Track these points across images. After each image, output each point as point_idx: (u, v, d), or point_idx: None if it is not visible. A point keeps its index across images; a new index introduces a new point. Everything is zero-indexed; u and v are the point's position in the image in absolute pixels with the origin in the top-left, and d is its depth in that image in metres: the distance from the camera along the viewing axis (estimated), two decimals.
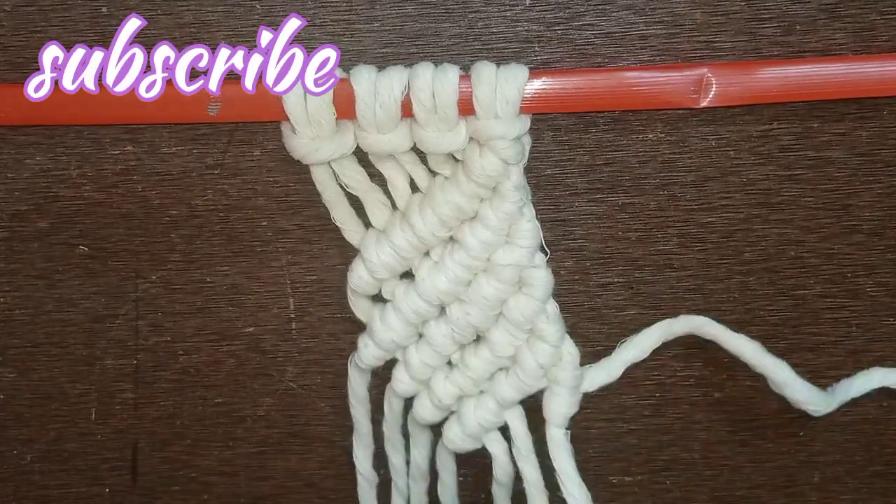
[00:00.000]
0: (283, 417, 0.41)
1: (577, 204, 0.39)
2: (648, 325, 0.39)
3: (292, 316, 0.40)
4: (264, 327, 0.40)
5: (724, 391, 0.40)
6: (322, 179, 0.37)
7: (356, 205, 0.38)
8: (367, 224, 0.38)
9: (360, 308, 0.38)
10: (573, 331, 0.39)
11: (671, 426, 0.41)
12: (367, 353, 0.38)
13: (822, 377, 0.40)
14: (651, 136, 0.38)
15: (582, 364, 0.39)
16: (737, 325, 0.39)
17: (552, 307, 0.37)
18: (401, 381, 0.38)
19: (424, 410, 0.39)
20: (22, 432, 0.41)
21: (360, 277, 0.37)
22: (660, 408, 0.41)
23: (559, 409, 0.38)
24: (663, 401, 0.41)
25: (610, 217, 0.39)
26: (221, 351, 0.40)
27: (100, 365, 0.40)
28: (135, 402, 0.41)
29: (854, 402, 0.40)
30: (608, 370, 0.39)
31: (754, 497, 0.42)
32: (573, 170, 0.38)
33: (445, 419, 0.39)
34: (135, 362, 0.40)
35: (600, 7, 0.37)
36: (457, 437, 0.39)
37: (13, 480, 0.41)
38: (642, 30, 0.37)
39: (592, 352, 0.39)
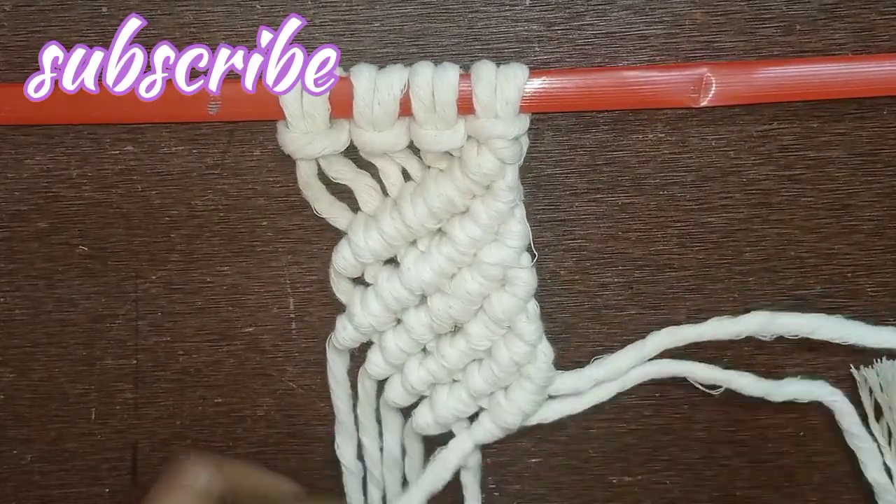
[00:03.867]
0: (283, 417, 0.41)
1: (577, 204, 0.39)
2: (648, 325, 0.39)
3: (292, 316, 0.40)
4: (264, 327, 0.40)
5: (725, 391, 0.40)
6: (306, 174, 0.37)
7: (341, 192, 0.37)
8: (354, 210, 0.38)
9: (341, 289, 0.38)
10: (573, 331, 0.39)
11: (671, 426, 0.41)
12: (345, 335, 0.38)
13: (822, 377, 0.40)
14: (651, 136, 0.38)
15: (578, 364, 0.39)
16: None
17: (533, 306, 0.37)
18: (375, 364, 0.38)
19: (395, 394, 0.39)
20: (22, 432, 0.41)
21: (344, 259, 0.37)
22: (660, 408, 0.41)
23: (521, 403, 0.38)
24: (663, 401, 0.41)
25: (610, 217, 0.39)
26: (221, 351, 0.40)
27: (100, 365, 0.40)
28: (135, 402, 0.41)
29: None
30: (576, 382, 0.39)
31: (754, 497, 0.42)
32: (573, 170, 0.38)
33: (416, 403, 0.39)
34: (135, 362, 0.40)
35: (600, 7, 0.37)
36: (427, 425, 0.39)
37: (13, 480, 0.41)
38: (642, 30, 0.37)
39: (592, 352, 0.39)
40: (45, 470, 0.41)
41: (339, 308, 0.39)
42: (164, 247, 0.39)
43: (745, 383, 0.38)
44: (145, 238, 0.39)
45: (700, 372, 0.38)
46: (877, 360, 0.39)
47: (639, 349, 0.38)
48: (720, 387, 0.38)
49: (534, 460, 0.40)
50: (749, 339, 0.39)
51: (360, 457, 0.40)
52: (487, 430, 0.39)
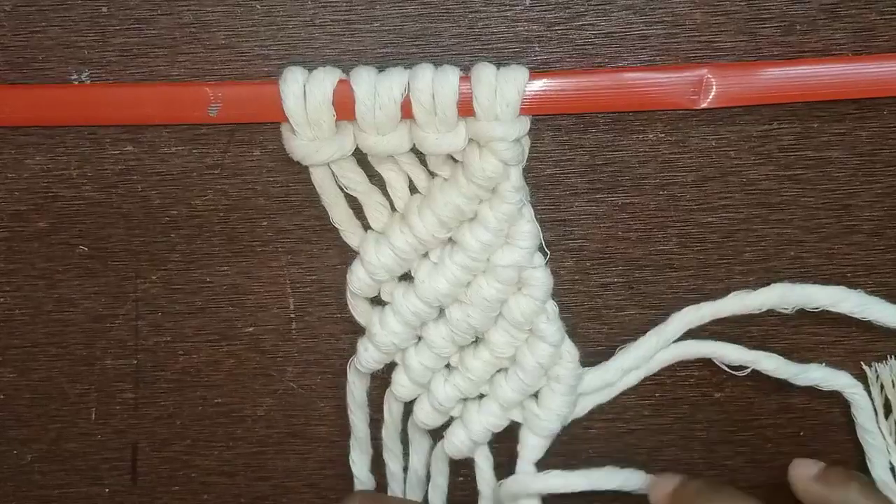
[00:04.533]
0: (283, 417, 0.41)
1: (577, 204, 0.39)
2: (648, 325, 0.39)
3: (292, 316, 0.40)
4: (264, 327, 0.40)
5: (724, 391, 0.40)
6: (321, 180, 0.37)
7: (355, 206, 0.38)
8: (366, 225, 0.38)
9: (360, 311, 0.38)
10: (573, 331, 0.39)
11: (671, 426, 0.41)
12: (367, 356, 0.38)
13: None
14: (651, 136, 0.38)
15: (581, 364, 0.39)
16: (737, 326, 0.39)
17: (552, 307, 0.37)
18: (401, 385, 0.38)
19: (424, 414, 0.39)
20: (22, 432, 0.41)
21: (359, 279, 0.37)
22: (660, 408, 0.41)
23: (555, 407, 0.38)
24: (663, 401, 0.41)
25: (610, 217, 0.39)
26: (221, 351, 0.40)
27: (100, 365, 0.40)
28: (135, 402, 0.41)
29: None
30: (605, 376, 0.39)
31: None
32: (573, 170, 0.38)
33: (445, 424, 0.39)
34: (135, 362, 0.40)
35: (600, 7, 0.37)
36: (461, 443, 0.39)
37: (13, 480, 0.41)
38: (642, 30, 0.37)
39: (593, 352, 0.39)
40: (45, 470, 0.41)
41: (340, 308, 0.39)
42: (164, 247, 0.39)
43: (771, 365, 0.38)
44: (145, 238, 0.39)
45: (727, 352, 0.39)
46: (890, 358, 0.39)
47: (661, 331, 0.39)
48: (745, 368, 0.39)
49: None
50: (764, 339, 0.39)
51: (371, 470, 0.41)
52: (533, 445, 0.39)
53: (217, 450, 0.41)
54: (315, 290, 0.40)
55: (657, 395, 0.41)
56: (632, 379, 0.39)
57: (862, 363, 0.40)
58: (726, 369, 0.39)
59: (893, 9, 0.37)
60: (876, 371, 0.39)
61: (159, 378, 0.40)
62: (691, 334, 0.39)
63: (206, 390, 0.41)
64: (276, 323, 0.40)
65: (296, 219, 0.39)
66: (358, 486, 0.40)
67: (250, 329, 0.40)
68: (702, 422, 0.41)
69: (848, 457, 0.41)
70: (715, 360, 0.39)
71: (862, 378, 0.39)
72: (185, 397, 0.41)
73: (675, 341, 0.39)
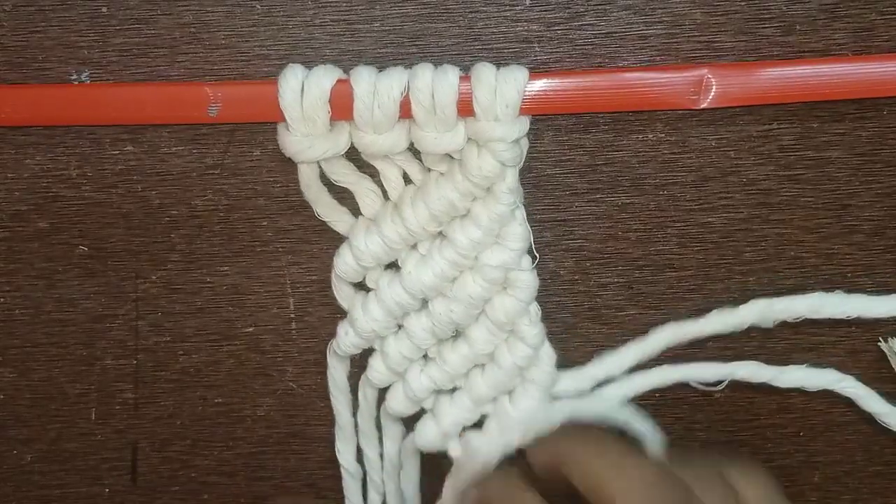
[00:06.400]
0: (283, 417, 0.41)
1: (577, 204, 0.39)
2: (648, 325, 0.39)
3: (292, 316, 0.40)
4: (264, 327, 0.40)
5: (724, 391, 0.40)
6: (307, 179, 0.37)
7: (342, 195, 0.37)
8: (354, 212, 0.38)
9: (343, 294, 0.38)
10: (573, 331, 0.39)
11: (671, 426, 0.41)
12: (347, 340, 0.38)
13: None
14: (651, 136, 0.38)
15: (578, 365, 0.39)
16: None
17: (534, 309, 0.37)
18: (377, 371, 0.38)
19: (397, 402, 0.39)
20: (22, 432, 0.41)
21: (345, 263, 0.37)
22: (660, 408, 0.41)
23: (528, 408, 0.38)
24: (663, 401, 0.41)
25: (610, 217, 0.39)
26: (221, 351, 0.40)
27: (100, 365, 0.40)
28: (135, 402, 0.41)
29: (854, 402, 0.40)
30: (577, 381, 0.39)
31: None
32: (573, 170, 0.38)
33: (416, 414, 0.39)
34: (135, 362, 0.40)
35: (600, 7, 0.37)
36: (432, 435, 0.39)
37: (13, 480, 0.41)
38: (642, 30, 0.37)
39: (593, 352, 0.39)
40: (45, 470, 0.41)
41: (339, 308, 0.39)
42: (164, 247, 0.39)
43: (749, 371, 0.38)
44: (145, 238, 0.39)
45: (701, 372, 0.38)
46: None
47: (640, 346, 0.39)
48: (721, 384, 0.38)
49: None
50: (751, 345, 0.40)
51: (360, 459, 0.40)
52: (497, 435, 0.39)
53: (217, 450, 0.41)
54: (315, 290, 0.40)
55: (657, 395, 0.41)
56: (604, 405, 0.39)
57: (880, 339, 0.39)
58: (702, 388, 0.39)
59: (893, 9, 0.37)
60: (891, 346, 0.39)
61: (159, 378, 0.40)
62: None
63: (206, 390, 0.41)
64: (276, 323, 0.40)
65: (296, 219, 0.39)
66: (346, 476, 0.40)
67: (250, 329, 0.40)
68: (702, 422, 0.41)
69: (848, 457, 0.41)
70: (691, 383, 0.39)
71: (865, 378, 0.39)
72: (185, 397, 0.41)
73: (658, 360, 0.39)
